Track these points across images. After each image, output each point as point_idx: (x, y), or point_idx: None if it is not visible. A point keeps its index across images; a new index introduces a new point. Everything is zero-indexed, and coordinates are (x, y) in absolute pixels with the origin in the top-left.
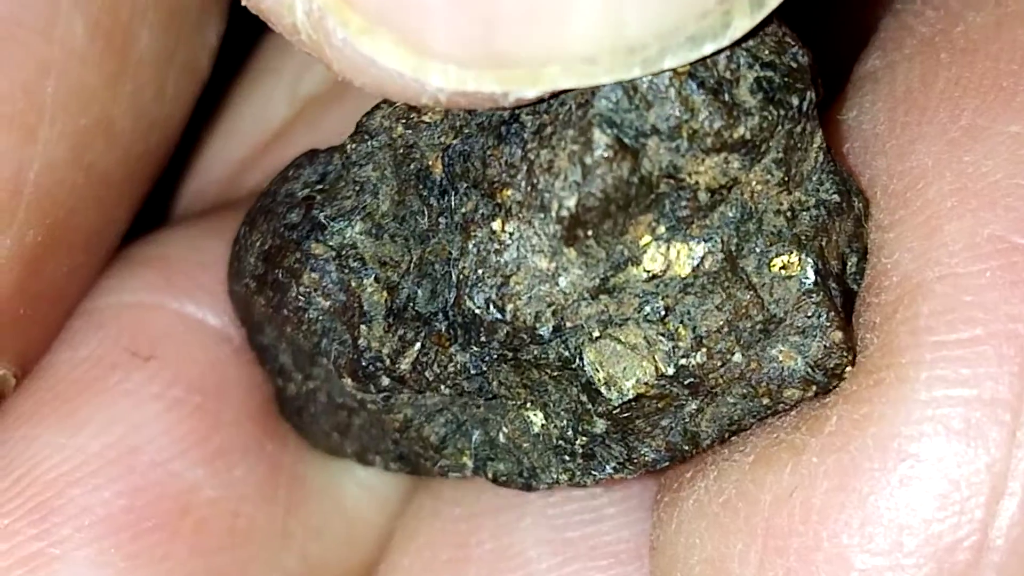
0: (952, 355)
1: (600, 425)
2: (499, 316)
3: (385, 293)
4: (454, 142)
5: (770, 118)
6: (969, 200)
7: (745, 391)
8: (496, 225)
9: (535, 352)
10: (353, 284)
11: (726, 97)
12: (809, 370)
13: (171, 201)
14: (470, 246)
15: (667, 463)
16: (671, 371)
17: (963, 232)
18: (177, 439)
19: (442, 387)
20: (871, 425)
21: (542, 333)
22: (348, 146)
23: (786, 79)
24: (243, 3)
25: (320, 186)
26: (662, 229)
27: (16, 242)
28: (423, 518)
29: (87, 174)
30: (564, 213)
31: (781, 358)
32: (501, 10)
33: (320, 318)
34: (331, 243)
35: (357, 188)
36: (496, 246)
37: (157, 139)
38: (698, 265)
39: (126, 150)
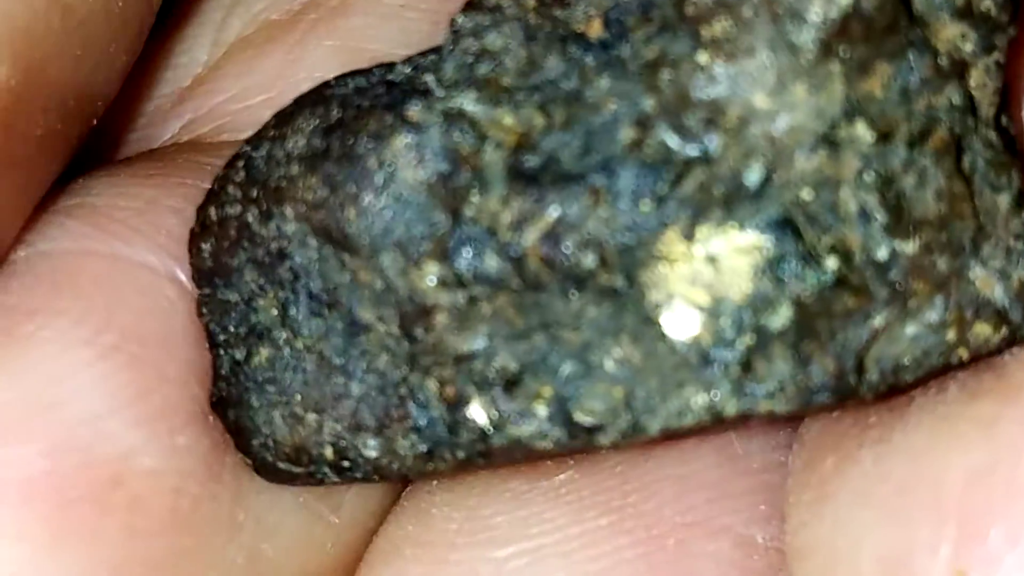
0: None
1: (783, 315)
2: (700, 151)
3: (512, 157)
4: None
5: (1003, 17)
6: None
7: (934, 319)
8: (702, 59)
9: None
10: (463, 151)
11: None
12: (1007, 303)
13: (92, 152)
14: (662, 84)
15: (824, 400)
16: (882, 254)
17: None
18: (108, 393)
19: (586, 258)
20: None
21: (746, 181)
22: (458, 20)
23: None
24: None
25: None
26: (896, 87)
27: None
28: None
29: (63, 17)
30: (834, 15)
31: (979, 284)
32: None
33: (402, 195)
34: (436, 107)
35: (471, 59)
36: (701, 82)
37: None
38: (925, 138)
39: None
